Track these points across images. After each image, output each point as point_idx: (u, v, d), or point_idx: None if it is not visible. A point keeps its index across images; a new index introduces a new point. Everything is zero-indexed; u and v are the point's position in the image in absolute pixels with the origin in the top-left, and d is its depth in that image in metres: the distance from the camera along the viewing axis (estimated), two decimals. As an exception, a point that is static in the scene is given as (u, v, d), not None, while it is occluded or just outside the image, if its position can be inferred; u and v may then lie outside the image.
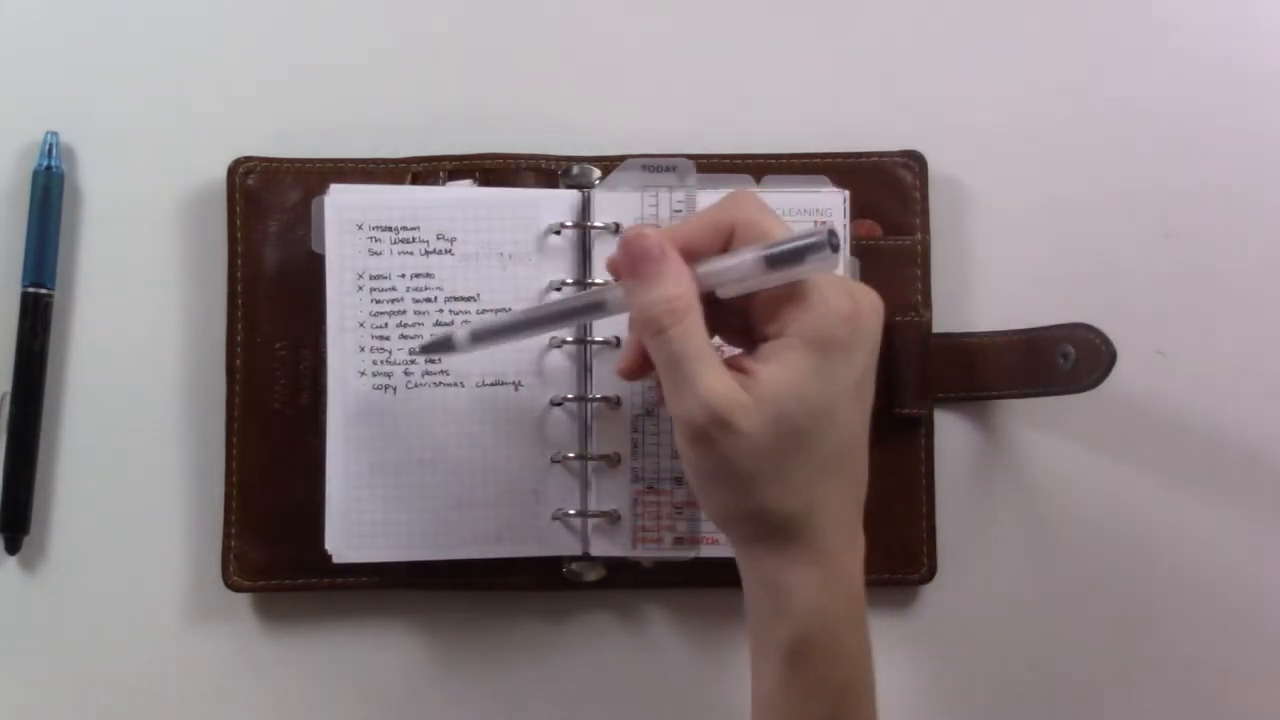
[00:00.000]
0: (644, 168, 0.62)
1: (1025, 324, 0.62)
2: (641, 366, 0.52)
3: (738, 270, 0.48)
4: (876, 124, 0.65)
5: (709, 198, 0.61)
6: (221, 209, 0.63)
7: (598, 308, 0.52)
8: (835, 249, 0.46)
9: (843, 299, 0.48)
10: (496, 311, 0.61)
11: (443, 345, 0.56)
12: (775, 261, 0.47)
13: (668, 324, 0.47)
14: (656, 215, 0.61)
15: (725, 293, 0.49)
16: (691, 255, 0.49)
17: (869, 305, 0.49)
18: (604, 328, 0.61)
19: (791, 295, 0.48)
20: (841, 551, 0.50)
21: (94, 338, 0.64)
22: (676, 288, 0.47)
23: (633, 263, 0.48)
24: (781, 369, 0.47)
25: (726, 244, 0.49)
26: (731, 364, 0.48)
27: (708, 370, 0.47)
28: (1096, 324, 0.59)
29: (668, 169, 0.62)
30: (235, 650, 0.63)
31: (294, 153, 0.63)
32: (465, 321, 0.60)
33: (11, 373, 0.62)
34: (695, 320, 0.47)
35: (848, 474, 0.50)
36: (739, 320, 0.50)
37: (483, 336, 0.55)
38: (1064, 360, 0.60)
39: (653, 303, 0.47)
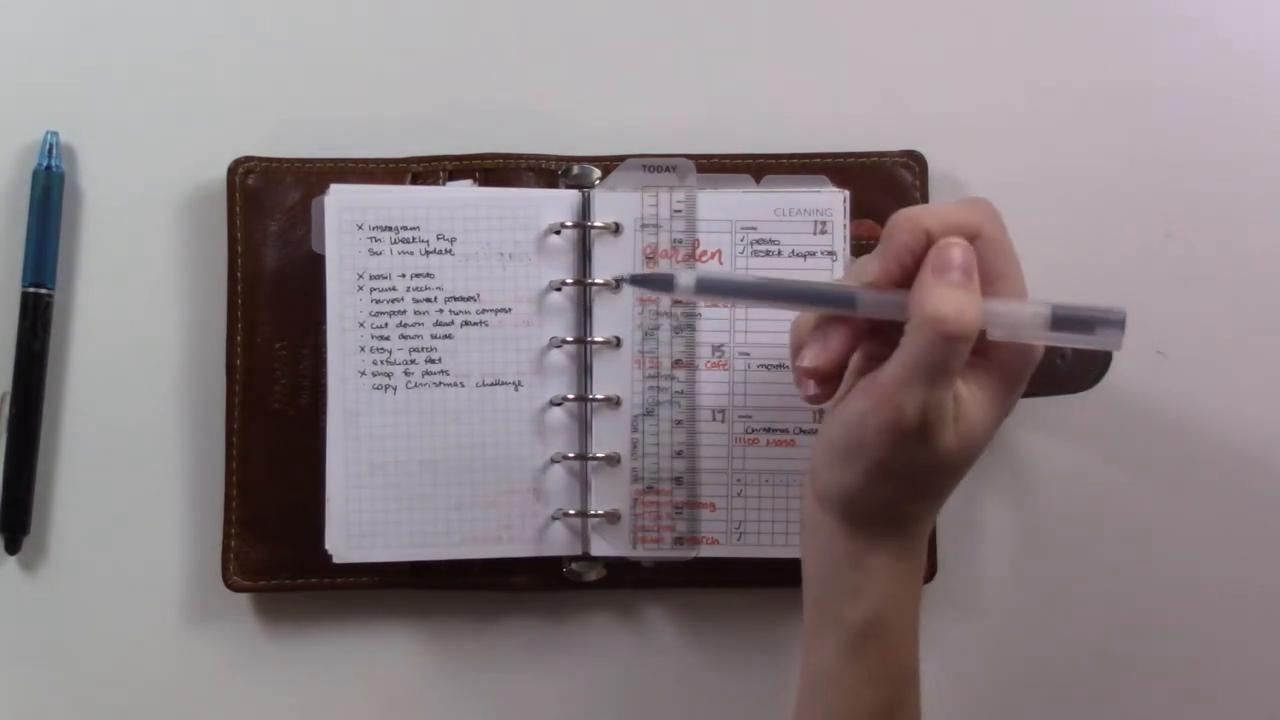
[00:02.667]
0: (644, 168, 0.62)
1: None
2: (837, 371, 0.50)
3: (1014, 318, 0.47)
4: (876, 124, 0.64)
5: (709, 198, 0.61)
6: (221, 209, 0.63)
7: (847, 302, 0.49)
8: (1122, 328, 0.46)
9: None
10: (497, 312, 0.61)
11: (661, 282, 0.51)
12: (1061, 323, 0.47)
13: (964, 342, 0.46)
14: (657, 215, 0.61)
15: (991, 335, 0.48)
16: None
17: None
18: (604, 328, 0.61)
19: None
20: (923, 552, 0.52)
21: (94, 338, 0.64)
22: (979, 312, 0.47)
23: (949, 266, 0.47)
24: (986, 398, 0.48)
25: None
26: None
27: (952, 384, 0.47)
28: (1095, 324, 0.59)
29: (668, 169, 0.62)
30: (235, 650, 0.63)
31: (294, 153, 0.63)
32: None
33: (11, 373, 0.62)
34: (971, 344, 0.47)
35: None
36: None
37: (708, 288, 0.51)
38: (1062, 361, 0.60)
39: (970, 317, 0.46)
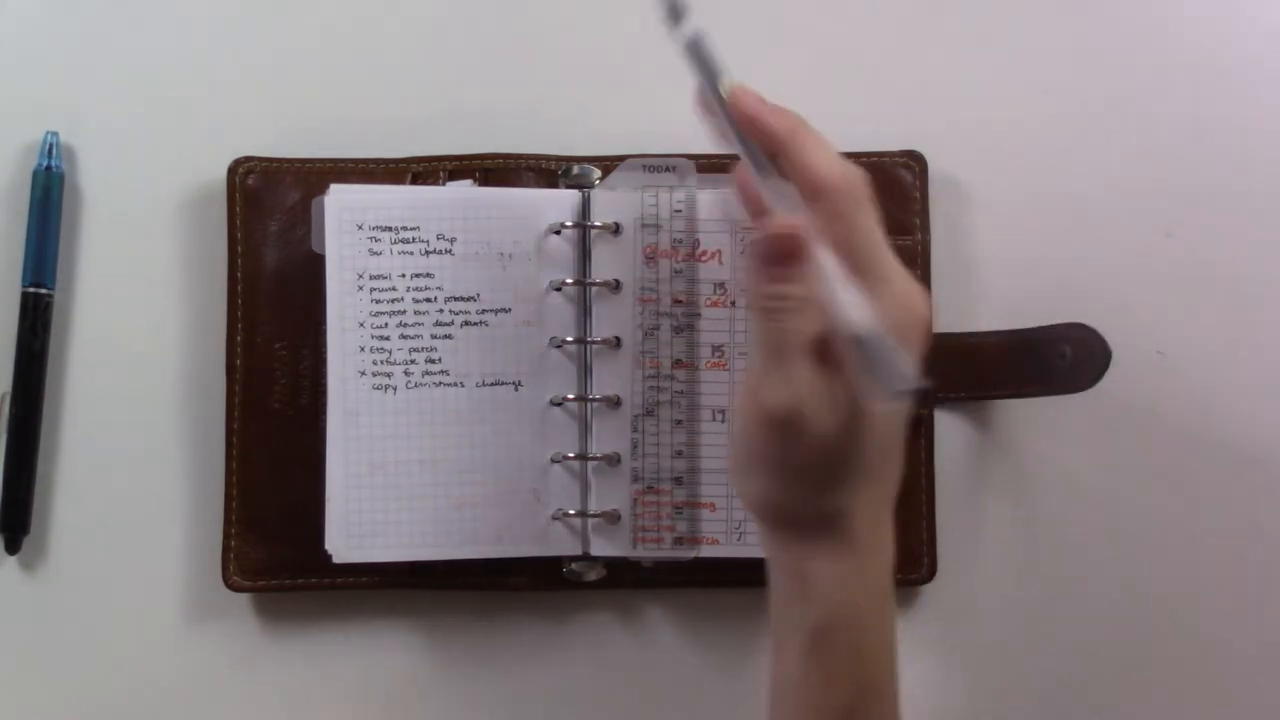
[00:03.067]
0: (644, 168, 0.62)
1: (1025, 324, 0.62)
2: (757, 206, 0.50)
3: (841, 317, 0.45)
4: (876, 124, 0.64)
5: (709, 198, 0.61)
6: (221, 209, 0.63)
7: (765, 172, 0.50)
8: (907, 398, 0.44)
9: (914, 305, 0.47)
10: (497, 312, 0.61)
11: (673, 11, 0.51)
12: (861, 350, 0.44)
13: (788, 319, 0.46)
14: (657, 215, 0.61)
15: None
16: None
17: (927, 309, 0.49)
18: (604, 328, 0.61)
19: (865, 285, 0.46)
20: (869, 550, 0.50)
21: (94, 338, 0.64)
22: (806, 291, 0.46)
23: (776, 255, 0.47)
24: (841, 379, 0.46)
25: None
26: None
27: (804, 366, 0.46)
28: (1096, 324, 0.60)
29: (668, 169, 0.62)
30: (235, 650, 0.63)
31: (294, 153, 0.63)
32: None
33: (11, 373, 0.62)
34: (812, 318, 0.46)
35: (884, 476, 0.50)
36: None
37: (695, 53, 0.52)
38: (1061, 360, 0.60)
39: (780, 295, 0.46)
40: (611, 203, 0.61)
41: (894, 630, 0.51)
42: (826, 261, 0.46)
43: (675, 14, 0.51)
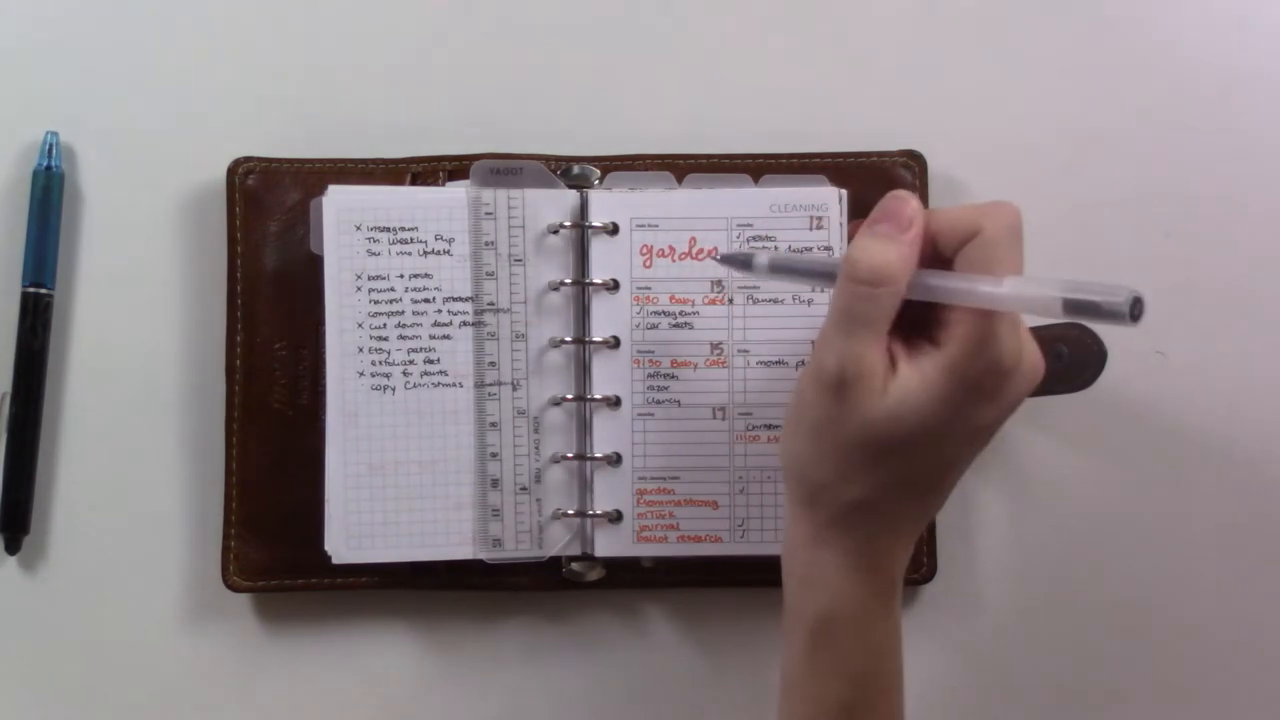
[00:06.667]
0: (492, 170, 0.61)
1: (1026, 324, 0.62)
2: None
3: (1035, 304, 0.45)
4: (876, 124, 0.64)
5: (705, 196, 0.61)
6: (221, 209, 0.63)
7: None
8: (1136, 318, 0.43)
9: (1010, 352, 0.47)
10: (497, 312, 0.61)
11: (742, 262, 0.54)
12: (1072, 308, 0.44)
13: (875, 287, 0.46)
14: (654, 214, 0.61)
15: (1005, 306, 0.46)
16: (928, 239, 0.48)
17: (1030, 368, 0.48)
18: (602, 328, 0.61)
19: (969, 316, 0.46)
20: (885, 553, 0.50)
21: (94, 338, 0.64)
22: (902, 263, 0.46)
23: (883, 217, 0.47)
24: (921, 384, 0.46)
25: (960, 245, 0.47)
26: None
27: (873, 339, 0.46)
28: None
29: (514, 171, 0.62)
30: (235, 650, 0.63)
31: (294, 153, 0.63)
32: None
33: (11, 373, 0.62)
34: (894, 299, 0.46)
35: (926, 497, 0.50)
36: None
37: (780, 269, 0.53)
38: (1059, 360, 0.60)
39: (879, 261, 0.46)
40: (608, 202, 0.61)
41: (899, 627, 0.51)
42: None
43: (744, 264, 0.54)
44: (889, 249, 0.46)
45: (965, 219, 0.47)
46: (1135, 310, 0.42)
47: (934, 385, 0.46)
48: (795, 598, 0.51)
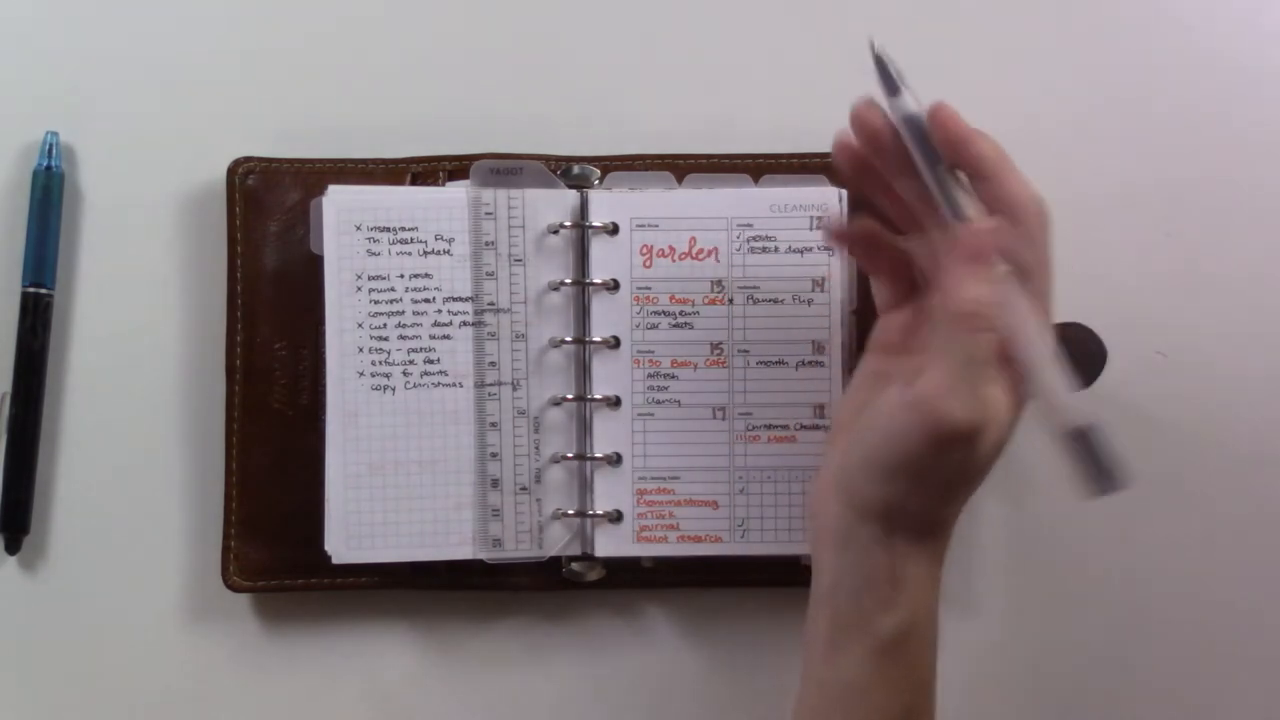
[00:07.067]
0: (492, 170, 0.61)
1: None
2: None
3: (1053, 417, 0.47)
4: (876, 124, 0.64)
5: (706, 196, 0.61)
6: (221, 209, 0.63)
7: (952, 188, 0.50)
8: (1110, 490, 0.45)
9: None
10: (497, 312, 0.61)
11: (891, 85, 0.53)
12: (1072, 445, 0.46)
13: (989, 331, 0.46)
14: (654, 214, 0.61)
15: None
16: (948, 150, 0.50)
17: None
18: (602, 327, 0.61)
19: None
20: (945, 552, 0.51)
21: (94, 338, 0.64)
22: (1001, 297, 0.47)
23: (969, 256, 0.47)
24: (1012, 395, 0.48)
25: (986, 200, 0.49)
26: None
27: (994, 376, 0.47)
28: (1096, 324, 0.59)
29: (515, 170, 0.62)
30: (235, 650, 0.63)
31: (294, 153, 0.63)
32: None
33: (11, 373, 0.62)
34: (998, 330, 0.47)
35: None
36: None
37: (913, 128, 0.52)
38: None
39: (987, 301, 0.46)
40: (608, 202, 0.61)
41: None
42: (1025, 311, 0.47)
43: (893, 87, 0.53)
44: (986, 291, 0.46)
45: (1016, 200, 0.48)
46: (1114, 488, 0.46)
47: (1014, 392, 0.48)
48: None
